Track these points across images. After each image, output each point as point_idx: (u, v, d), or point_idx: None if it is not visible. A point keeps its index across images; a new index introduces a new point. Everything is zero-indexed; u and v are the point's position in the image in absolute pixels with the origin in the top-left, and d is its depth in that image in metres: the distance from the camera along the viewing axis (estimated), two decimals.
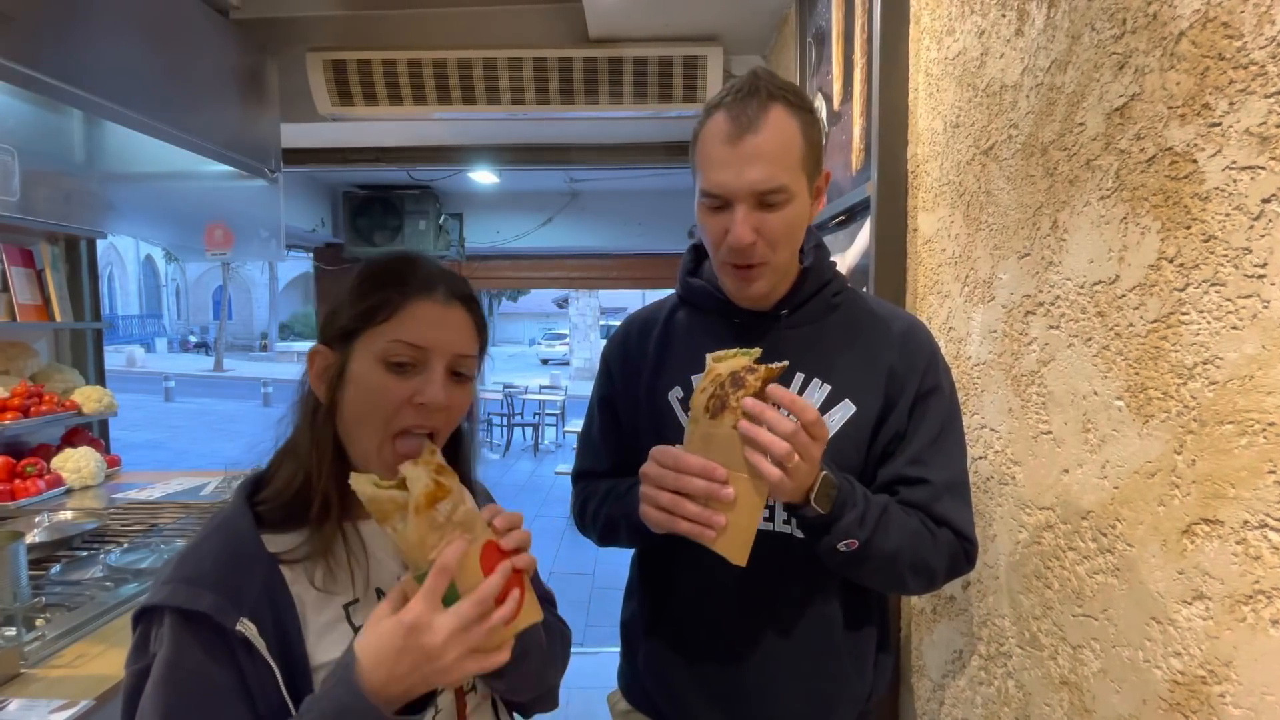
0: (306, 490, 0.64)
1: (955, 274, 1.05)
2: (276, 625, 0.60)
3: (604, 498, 0.91)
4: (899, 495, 0.79)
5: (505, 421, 9.21)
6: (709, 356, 0.71)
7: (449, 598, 0.57)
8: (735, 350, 0.70)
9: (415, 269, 0.67)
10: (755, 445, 0.66)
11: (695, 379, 0.85)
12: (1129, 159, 0.68)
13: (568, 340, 20.04)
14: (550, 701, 0.78)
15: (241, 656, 0.57)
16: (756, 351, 0.70)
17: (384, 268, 0.67)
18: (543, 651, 0.71)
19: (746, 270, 0.78)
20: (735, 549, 0.70)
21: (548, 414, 9.40)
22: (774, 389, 0.68)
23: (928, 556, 0.77)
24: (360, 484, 0.59)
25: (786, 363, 0.72)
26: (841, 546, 0.73)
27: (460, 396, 0.67)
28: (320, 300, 5.46)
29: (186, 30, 1.96)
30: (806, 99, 0.79)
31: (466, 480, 0.73)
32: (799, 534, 0.81)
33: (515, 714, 0.80)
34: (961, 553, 0.80)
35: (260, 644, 0.57)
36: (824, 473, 0.72)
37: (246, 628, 0.57)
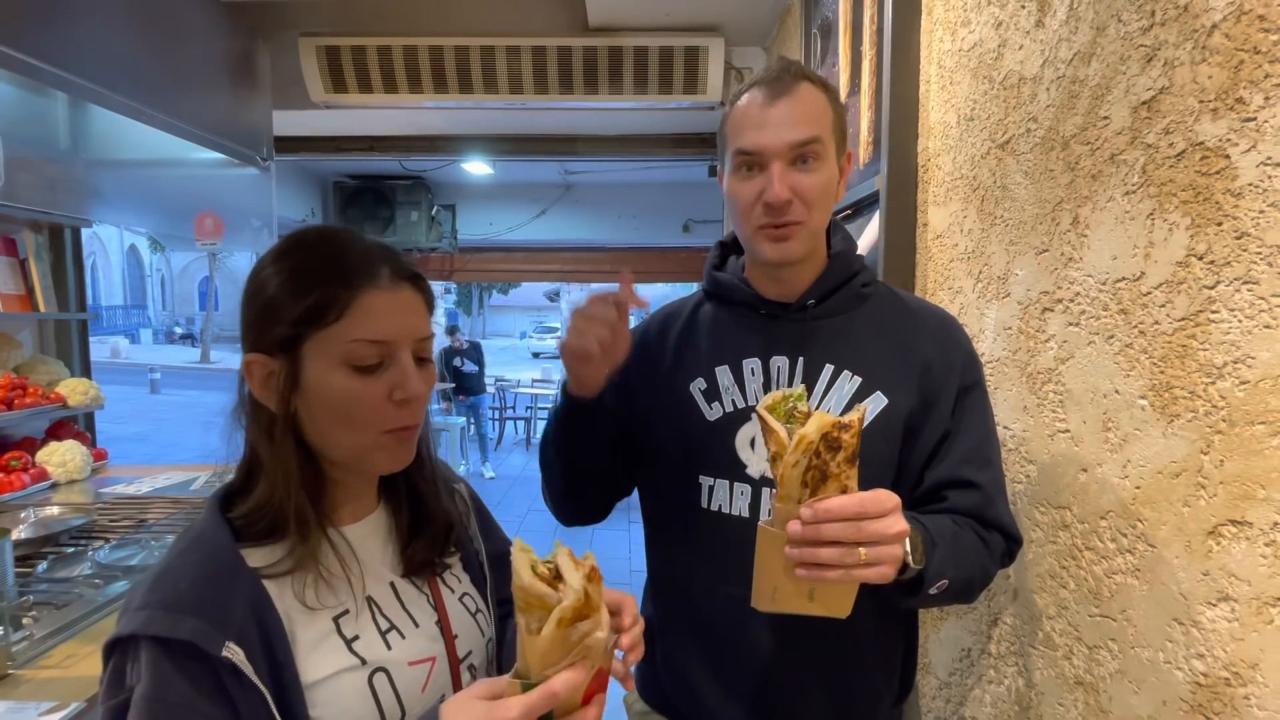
0: (283, 506, 0.60)
1: (968, 269, 1.04)
2: (264, 645, 0.55)
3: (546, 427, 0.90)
4: (948, 500, 0.77)
5: (497, 415, 9.17)
6: (760, 409, 0.65)
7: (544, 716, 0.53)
8: (781, 393, 0.66)
9: (350, 252, 0.60)
10: (819, 564, 0.62)
11: (719, 371, 0.83)
12: (1157, 154, 0.66)
13: (559, 334, 19.95)
14: None
15: (229, 683, 0.53)
16: (801, 390, 0.67)
17: (314, 257, 0.60)
18: None
19: (782, 229, 0.78)
20: (838, 604, 0.67)
21: (540, 408, 9.37)
22: (822, 506, 0.61)
23: (988, 566, 0.77)
24: (519, 563, 0.53)
25: (866, 407, 0.73)
26: (934, 590, 0.70)
27: (429, 380, 0.64)
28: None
29: (175, 12, 1.91)
30: (832, 86, 0.82)
31: (429, 462, 0.72)
32: None
33: None
34: (1008, 552, 0.80)
35: (248, 668, 0.53)
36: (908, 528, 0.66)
37: (233, 652, 0.52)
